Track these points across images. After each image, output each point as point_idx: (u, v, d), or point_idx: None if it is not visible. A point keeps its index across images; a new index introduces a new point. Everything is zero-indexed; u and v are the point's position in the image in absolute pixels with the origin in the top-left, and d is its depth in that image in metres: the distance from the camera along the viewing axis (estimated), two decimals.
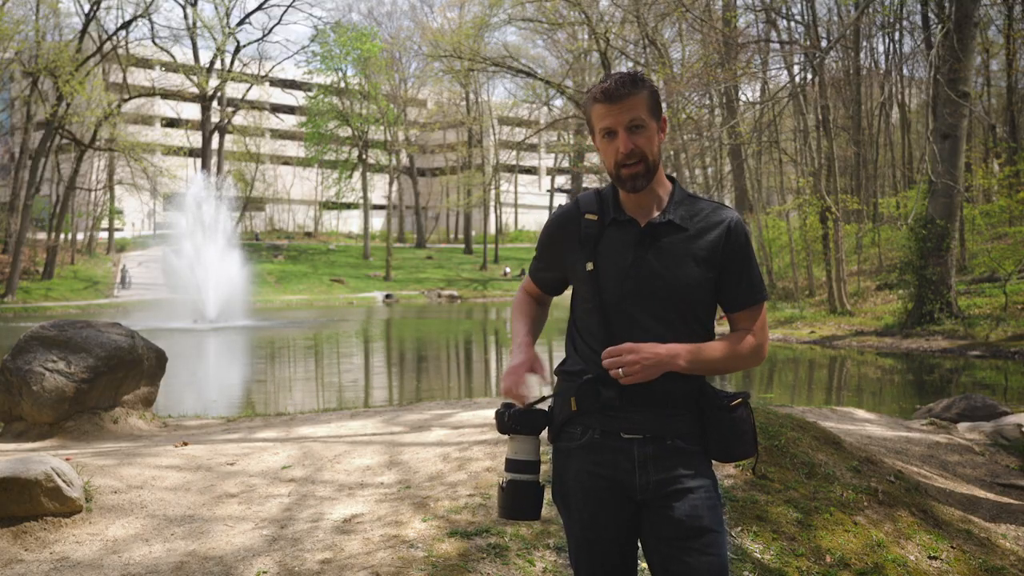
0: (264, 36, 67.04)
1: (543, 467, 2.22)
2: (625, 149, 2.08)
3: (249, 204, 54.73)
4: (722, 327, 2.44)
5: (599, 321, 2.11)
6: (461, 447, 5.08)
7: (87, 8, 38.01)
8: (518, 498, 2.14)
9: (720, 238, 2.11)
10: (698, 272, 2.08)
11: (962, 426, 7.18)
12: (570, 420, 2.14)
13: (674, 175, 2.37)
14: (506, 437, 2.17)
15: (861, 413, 8.03)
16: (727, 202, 34.23)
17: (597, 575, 2.15)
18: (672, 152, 33.28)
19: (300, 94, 55.03)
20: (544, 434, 2.18)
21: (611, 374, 2.02)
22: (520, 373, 2.15)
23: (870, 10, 25.11)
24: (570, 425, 2.14)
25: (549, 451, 2.26)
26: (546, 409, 2.19)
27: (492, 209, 59.69)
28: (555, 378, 2.23)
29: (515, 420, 2.12)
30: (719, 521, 2.08)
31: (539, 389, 2.14)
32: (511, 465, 2.14)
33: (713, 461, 2.16)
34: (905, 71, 35.71)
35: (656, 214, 2.13)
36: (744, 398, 2.10)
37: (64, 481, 4.01)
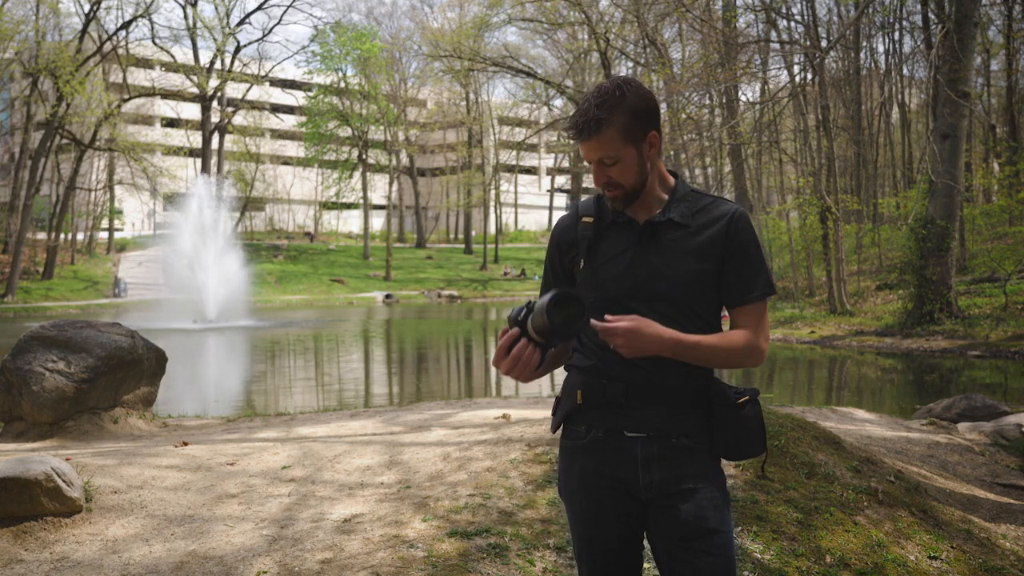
0: (264, 36, 67.16)
1: (545, 467, 2.20)
2: (596, 183, 2.10)
3: (249, 204, 54.74)
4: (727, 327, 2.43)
5: (601, 319, 2.11)
6: (461, 447, 5.08)
7: (87, 8, 38.07)
8: (563, 304, 1.92)
9: (721, 232, 2.09)
10: (699, 268, 2.07)
11: (962, 426, 7.18)
12: (575, 416, 2.14)
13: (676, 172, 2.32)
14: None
15: (861, 413, 8.03)
16: None
17: (600, 574, 2.15)
18: (672, 152, 33.30)
19: (300, 94, 55.03)
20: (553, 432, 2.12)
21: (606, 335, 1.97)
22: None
23: (870, 10, 25.13)
24: (575, 422, 2.14)
25: (553, 450, 2.25)
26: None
27: (492, 209, 59.69)
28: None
29: (525, 310, 1.99)
30: (726, 521, 2.07)
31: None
32: (548, 302, 1.93)
33: (721, 459, 2.15)
34: (905, 71, 35.75)
35: (656, 212, 2.13)
36: (752, 395, 2.09)
37: (64, 481, 4.01)
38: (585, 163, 2.12)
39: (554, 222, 2.33)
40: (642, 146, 2.08)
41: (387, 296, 43.61)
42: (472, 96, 57.09)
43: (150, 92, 45.96)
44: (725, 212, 2.11)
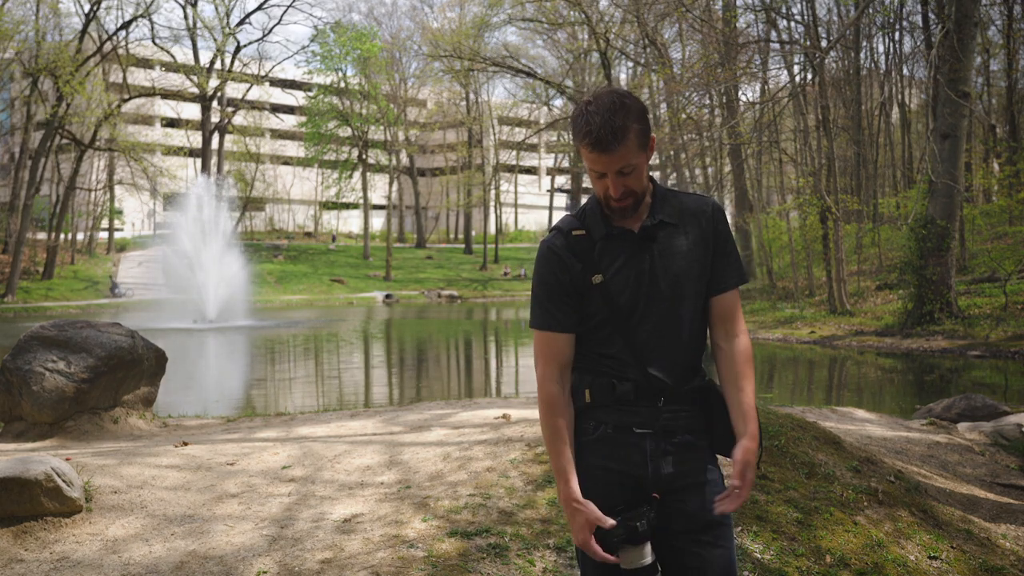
0: (264, 36, 67.08)
1: (545, 467, 2.20)
2: (616, 193, 2.10)
3: (249, 204, 54.75)
4: None
5: (610, 331, 2.14)
6: (461, 447, 5.08)
7: (87, 8, 38.06)
8: None
9: (708, 224, 2.18)
10: (698, 264, 2.15)
11: (962, 426, 7.18)
12: (581, 414, 2.17)
13: (654, 175, 2.37)
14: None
15: (861, 413, 8.03)
16: (727, 202, 34.32)
17: (604, 570, 2.15)
18: (672, 152, 33.32)
19: (300, 94, 55.03)
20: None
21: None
22: (591, 528, 2.07)
23: (870, 10, 25.12)
24: (581, 420, 2.17)
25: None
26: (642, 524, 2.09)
27: (492, 209, 59.69)
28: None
29: (621, 536, 2.05)
30: (726, 514, 2.14)
31: (643, 553, 2.04)
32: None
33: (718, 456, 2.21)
34: (905, 71, 35.77)
35: (644, 217, 2.16)
36: None
37: (64, 481, 4.01)
38: (595, 175, 2.10)
39: (553, 224, 2.38)
40: (647, 149, 2.12)
41: (387, 296, 43.62)
42: (472, 96, 57.09)
43: (150, 92, 45.94)
44: (705, 205, 2.20)
